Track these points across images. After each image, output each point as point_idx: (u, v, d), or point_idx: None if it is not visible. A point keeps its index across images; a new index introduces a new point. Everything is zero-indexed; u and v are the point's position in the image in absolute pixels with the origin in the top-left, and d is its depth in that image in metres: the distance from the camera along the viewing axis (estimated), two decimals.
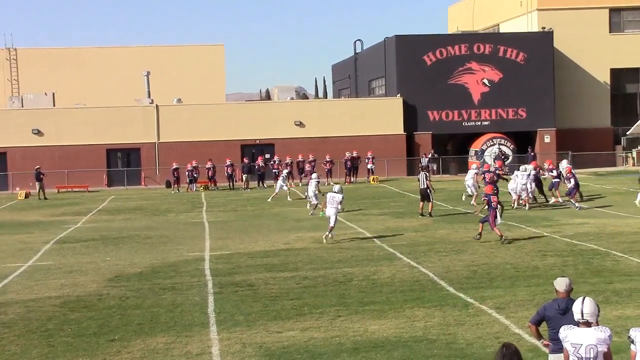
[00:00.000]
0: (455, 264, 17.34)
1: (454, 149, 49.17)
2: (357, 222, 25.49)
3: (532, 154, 43.78)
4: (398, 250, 19.37)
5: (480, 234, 20.55)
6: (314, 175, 29.61)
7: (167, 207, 32.98)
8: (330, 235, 21.27)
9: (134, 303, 14.40)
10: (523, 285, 14.84)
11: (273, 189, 40.72)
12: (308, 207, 29.18)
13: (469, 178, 30.26)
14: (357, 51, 58.02)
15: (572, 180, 27.92)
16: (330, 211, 21.44)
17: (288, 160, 42.43)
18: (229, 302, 14.17)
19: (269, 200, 34.02)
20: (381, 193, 36.93)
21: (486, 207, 20.96)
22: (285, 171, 36.62)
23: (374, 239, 21.62)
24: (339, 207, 21.53)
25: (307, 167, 41.97)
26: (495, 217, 20.56)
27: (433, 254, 18.79)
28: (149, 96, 49.26)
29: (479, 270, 16.46)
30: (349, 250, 19.66)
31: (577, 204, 27.68)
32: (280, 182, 34.85)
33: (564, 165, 30.54)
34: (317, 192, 28.53)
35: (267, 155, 44.93)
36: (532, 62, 48.01)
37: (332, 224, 21.30)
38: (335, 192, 21.62)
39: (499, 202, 21.03)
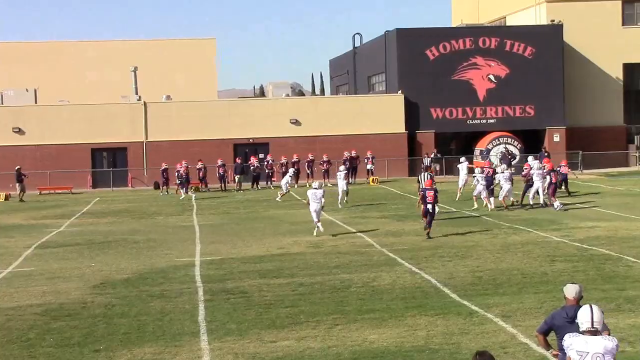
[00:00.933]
0: (459, 269, 17.35)
1: (458, 148, 49.19)
2: (356, 226, 25.50)
3: (545, 153, 43.80)
4: (399, 255, 19.37)
5: (428, 233, 22.28)
6: (341, 168, 33.10)
7: (156, 210, 32.97)
8: (319, 228, 23.33)
9: (120, 311, 14.38)
10: (531, 292, 14.84)
11: (267, 191, 40.78)
12: (339, 199, 31.71)
13: (463, 175, 32.02)
14: (356, 45, 58.03)
15: (548, 178, 28.67)
16: (314, 207, 23.40)
17: (283, 160, 42.44)
18: (220, 310, 14.16)
19: (277, 199, 34.53)
20: (381, 195, 36.93)
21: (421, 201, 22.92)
22: (291, 170, 36.93)
23: (374, 243, 21.61)
24: (322, 201, 23.64)
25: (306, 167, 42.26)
26: (427, 210, 22.52)
27: (436, 259, 18.80)
28: (137, 93, 49.20)
29: (485, 276, 16.46)
30: (347, 255, 19.66)
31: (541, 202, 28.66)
32: (287, 178, 35.42)
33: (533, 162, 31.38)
34: (344, 184, 32.05)
35: (261, 155, 44.92)
36: (540, 56, 48.06)
37: (316, 219, 23.41)
38: (315, 188, 23.88)
39: (435, 197, 22.78)
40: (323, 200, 23.76)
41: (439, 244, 21.13)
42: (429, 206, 22.63)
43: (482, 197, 28.89)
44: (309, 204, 23.67)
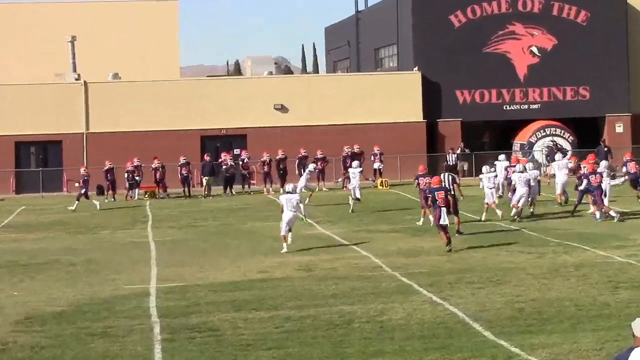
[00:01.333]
0: (494, 299, 17.32)
1: (491, 142, 49.24)
2: (360, 242, 25.48)
3: (605, 148, 43.81)
4: (415, 281, 19.36)
5: (447, 244, 23.19)
6: (355, 164, 35.02)
7: (99, 222, 32.99)
8: (289, 241, 24.34)
9: (51, 355, 14.28)
10: (588, 329, 14.80)
11: (244, 197, 40.69)
12: (351, 203, 33.26)
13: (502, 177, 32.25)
14: (359, 9, 58.09)
15: (585, 183, 29.16)
16: (288, 216, 24.32)
17: (265, 157, 42.37)
18: (182, 353, 14.08)
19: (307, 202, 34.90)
20: (392, 202, 36.91)
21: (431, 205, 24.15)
22: (311, 165, 37.63)
23: (382, 265, 21.60)
24: (301, 209, 24.73)
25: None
26: (440, 216, 23.33)
27: (463, 285, 18.78)
28: (75, 70, 49.09)
29: (527, 308, 16.42)
30: (347, 281, 19.62)
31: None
32: (305, 178, 36.04)
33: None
34: (359, 185, 33.82)
35: (237, 151, 44.88)
36: (597, 23, 48.12)
37: (289, 227, 24.39)
38: (289, 191, 24.94)
39: (447, 199, 23.79)
40: (302, 206, 24.84)
41: (468, 266, 21.10)
42: (445, 217, 23.23)
43: (488, 201, 29.32)
44: (282, 212, 24.52)
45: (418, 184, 29.15)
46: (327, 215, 32.45)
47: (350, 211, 32.80)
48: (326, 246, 25.15)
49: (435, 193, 23.78)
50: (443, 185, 24.84)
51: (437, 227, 24.08)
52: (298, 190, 35.73)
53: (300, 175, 42.54)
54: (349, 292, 18.45)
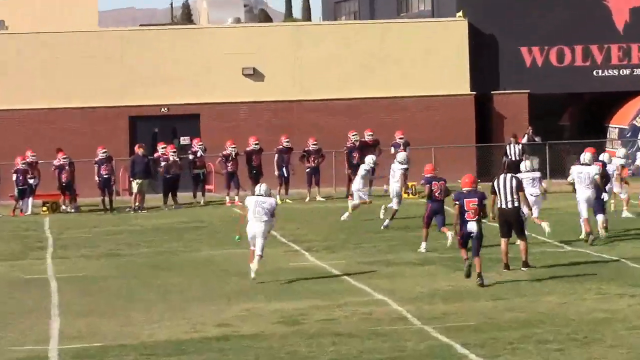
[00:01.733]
0: None
1: (574, 125, 49.26)
2: (374, 279, 25.58)
3: None
4: (459, 339, 19.28)
5: (478, 274, 24.27)
6: (400, 156, 36.10)
7: None
8: (255, 268, 25.40)
9: None
10: None
11: (194, 210, 40.56)
12: (382, 212, 35.05)
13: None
14: None
15: None
16: (255, 228, 25.32)
17: (229, 148, 42.23)
18: None
19: (344, 217, 35.96)
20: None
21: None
22: (371, 158, 37.94)
23: (407, 315, 21.63)
24: (273, 221, 25.92)
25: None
26: (472, 236, 24.25)
27: (532, 345, 18.70)
28: None
29: None
30: (353, 340, 19.59)
31: None
32: (359, 181, 36.64)
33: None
34: (401, 187, 35.38)
35: (185, 140, 44.81)
36: None
37: (259, 251, 25.34)
38: (261, 194, 25.76)
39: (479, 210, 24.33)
40: (274, 219, 25.97)
41: (538, 317, 21.10)
42: (471, 227, 23.92)
43: (532, 216, 29.37)
44: (244, 219, 25.74)
45: (431, 190, 29.34)
46: (323, 238, 32.31)
47: (381, 215, 34.53)
48: (319, 278, 25.17)
49: (465, 200, 23.90)
50: (478, 190, 24.74)
51: (459, 248, 24.81)
52: (356, 198, 36.07)
53: (283, 176, 42.55)
54: (357, 356, 18.36)
